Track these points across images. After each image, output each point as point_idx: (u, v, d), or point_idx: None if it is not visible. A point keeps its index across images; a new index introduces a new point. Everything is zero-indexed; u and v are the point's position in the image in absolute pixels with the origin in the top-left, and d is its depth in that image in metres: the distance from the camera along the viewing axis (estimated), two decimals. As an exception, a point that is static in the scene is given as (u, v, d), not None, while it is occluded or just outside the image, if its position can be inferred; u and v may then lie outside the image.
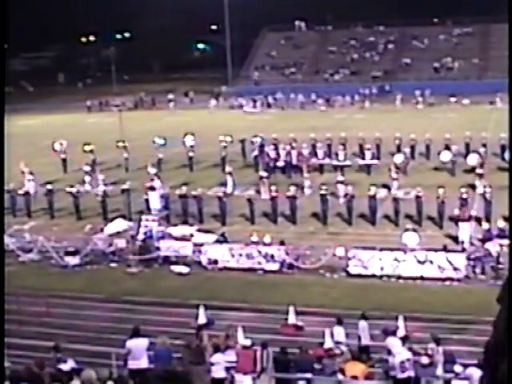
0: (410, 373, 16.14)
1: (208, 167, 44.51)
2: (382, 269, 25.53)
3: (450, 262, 24.90)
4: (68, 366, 16.14)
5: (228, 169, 38.03)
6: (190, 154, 44.36)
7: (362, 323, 19.23)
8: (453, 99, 68.95)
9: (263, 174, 34.07)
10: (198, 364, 16.89)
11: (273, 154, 42.48)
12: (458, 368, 15.98)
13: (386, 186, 34.27)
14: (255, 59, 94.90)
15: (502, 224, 26.36)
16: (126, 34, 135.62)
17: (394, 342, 17.44)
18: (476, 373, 14.90)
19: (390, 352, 16.90)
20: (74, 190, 35.48)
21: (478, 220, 29.37)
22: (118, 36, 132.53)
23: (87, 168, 40.62)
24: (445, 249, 25.67)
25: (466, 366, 15.75)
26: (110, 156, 46.76)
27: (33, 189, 37.37)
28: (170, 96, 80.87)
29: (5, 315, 17.90)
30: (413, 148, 43.56)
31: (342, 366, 16.52)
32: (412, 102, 70.93)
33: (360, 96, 76.37)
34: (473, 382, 14.88)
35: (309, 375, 16.57)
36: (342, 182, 34.57)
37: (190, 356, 17.30)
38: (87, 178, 39.13)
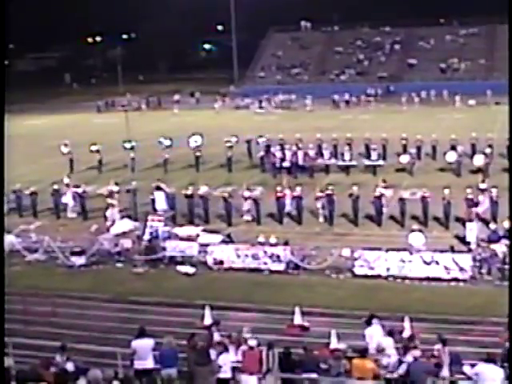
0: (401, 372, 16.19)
1: (214, 167, 44.53)
2: (387, 269, 25.51)
3: (456, 263, 24.87)
4: (72, 366, 16.17)
5: (203, 189, 34.39)
6: (197, 154, 44.37)
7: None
8: (459, 100, 68.83)
9: (246, 193, 33.41)
10: (204, 365, 16.88)
11: (279, 155, 42.46)
12: (466, 368, 15.96)
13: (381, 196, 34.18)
14: (261, 59, 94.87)
15: (508, 225, 26.30)
16: (133, 35, 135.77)
17: (387, 343, 17.44)
18: (486, 370, 14.89)
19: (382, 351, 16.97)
20: (80, 190, 35.52)
21: (485, 221, 29.31)
22: (125, 36, 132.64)
23: (67, 180, 37.17)
24: (452, 249, 25.63)
25: (473, 365, 15.74)
26: (116, 156, 46.80)
27: None
28: (176, 96, 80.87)
29: (5, 315, 17.95)
30: (419, 148, 43.49)
31: (349, 364, 16.46)
32: (418, 103, 70.82)
33: (366, 96, 76.26)
34: (482, 379, 14.86)
35: (314, 375, 16.57)
36: (320, 198, 32.61)
37: (195, 357, 17.29)
38: (67, 200, 35.45)
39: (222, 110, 75.16)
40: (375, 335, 18.29)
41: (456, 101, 68.71)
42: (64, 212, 35.42)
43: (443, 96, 72.67)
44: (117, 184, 35.53)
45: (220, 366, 16.71)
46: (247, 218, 32.84)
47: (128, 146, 44.36)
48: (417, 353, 16.15)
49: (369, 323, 18.93)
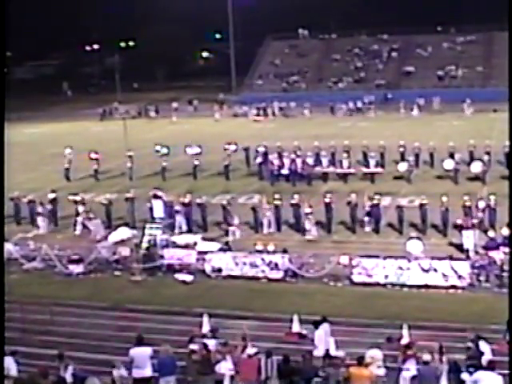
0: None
1: (212, 175, 44.54)
2: (386, 277, 25.49)
3: (454, 270, 24.86)
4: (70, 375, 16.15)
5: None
6: (195, 162, 44.32)
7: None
8: (457, 107, 68.99)
9: (236, 221, 32.92)
10: (206, 374, 16.87)
11: (277, 162, 42.48)
12: (464, 376, 15.96)
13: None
14: (259, 67, 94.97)
15: (506, 232, 26.31)
16: (131, 43, 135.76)
17: (376, 354, 17.44)
18: (484, 377, 14.89)
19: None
20: (78, 198, 35.48)
21: (482, 228, 29.28)
22: (123, 44, 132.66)
23: (52, 195, 35.72)
24: (450, 257, 25.63)
25: (471, 372, 15.74)
26: (114, 164, 46.81)
27: None
28: (175, 104, 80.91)
29: (4, 323, 17.93)
30: (417, 156, 43.53)
31: (348, 372, 16.45)
32: (416, 110, 70.85)
33: (364, 104, 76.33)
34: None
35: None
36: (309, 214, 31.67)
37: (198, 366, 17.25)
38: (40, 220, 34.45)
39: (220, 117, 75.21)
40: (322, 337, 18.91)
41: (454, 108, 68.74)
42: (62, 220, 35.42)
43: (441, 103, 72.71)
44: (83, 204, 34.67)
45: (223, 375, 16.71)
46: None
47: (128, 154, 44.42)
48: (427, 357, 16.16)
49: (317, 326, 19.28)
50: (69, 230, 34.30)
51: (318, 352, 18.64)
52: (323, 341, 18.99)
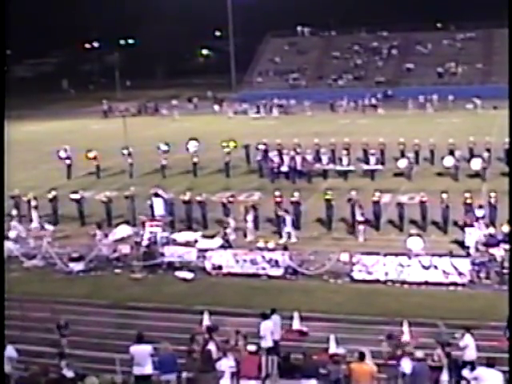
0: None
1: (212, 173, 44.51)
2: (386, 274, 25.49)
3: (454, 267, 24.86)
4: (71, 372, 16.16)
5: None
6: (195, 159, 44.30)
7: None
8: (457, 104, 68.94)
9: (232, 222, 32.51)
10: (208, 372, 16.85)
11: (277, 160, 42.47)
12: (465, 372, 15.96)
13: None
14: (259, 65, 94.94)
15: (506, 229, 26.31)
16: (130, 40, 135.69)
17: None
18: (485, 374, 14.90)
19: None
20: (77, 196, 35.47)
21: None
22: (122, 42, 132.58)
23: (34, 203, 34.76)
24: (450, 254, 25.63)
25: (472, 369, 15.75)
26: (114, 162, 46.78)
27: None
28: (174, 102, 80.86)
29: (4, 321, 17.92)
30: (417, 153, 43.49)
31: (349, 368, 16.42)
32: (416, 107, 70.82)
33: (363, 101, 76.25)
34: (482, 382, 14.87)
35: (314, 381, 16.54)
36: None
37: (199, 364, 17.24)
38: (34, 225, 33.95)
39: (220, 115, 75.18)
40: (269, 328, 19.10)
41: (453, 105, 68.63)
42: (62, 218, 35.41)
43: (441, 100, 72.67)
44: (35, 198, 34.88)
45: (223, 372, 16.70)
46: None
47: (126, 151, 44.38)
48: (420, 354, 16.15)
49: (265, 317, 19.40)
50: (69, 227, 34.34)
51: (266, 343, 18.74)
52: (270, 332, 19.06)
